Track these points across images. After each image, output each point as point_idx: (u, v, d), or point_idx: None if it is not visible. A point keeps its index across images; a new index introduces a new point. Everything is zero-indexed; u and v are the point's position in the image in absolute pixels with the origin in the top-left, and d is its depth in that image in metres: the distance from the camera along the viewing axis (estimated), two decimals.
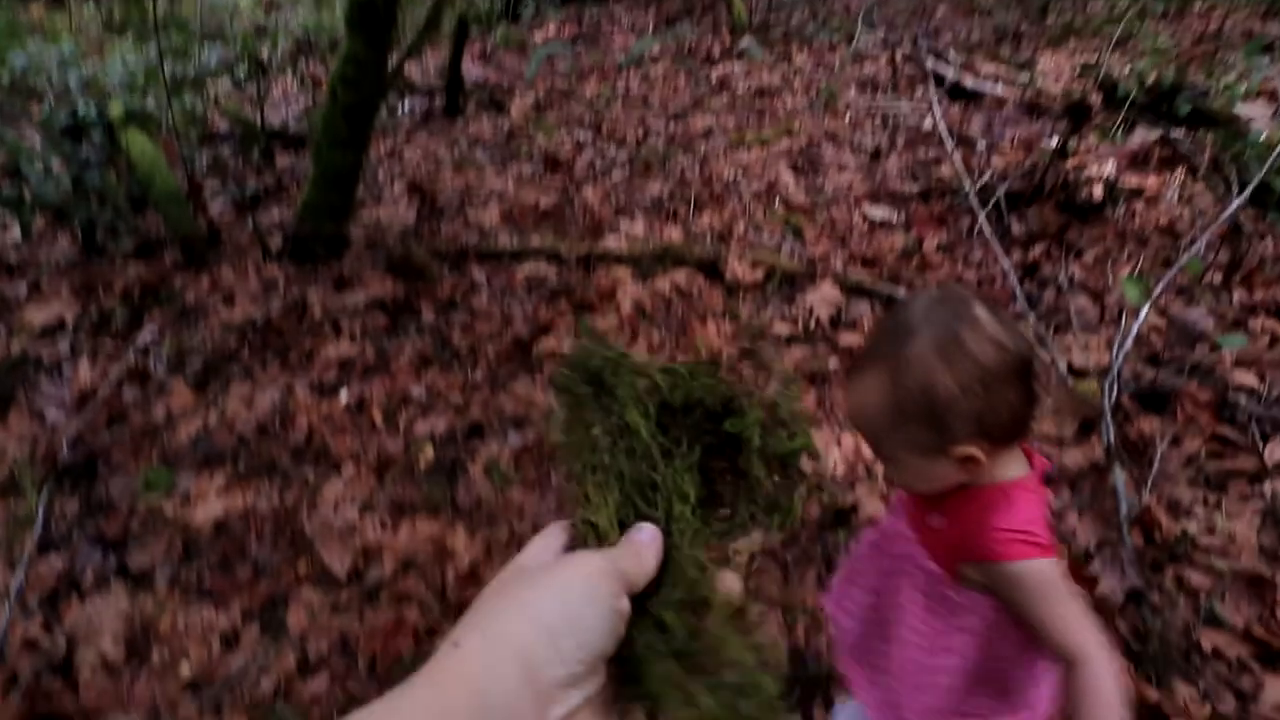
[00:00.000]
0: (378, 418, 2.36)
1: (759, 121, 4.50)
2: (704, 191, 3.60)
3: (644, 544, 0.45)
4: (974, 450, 0.84)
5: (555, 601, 0.40)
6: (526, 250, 3.11)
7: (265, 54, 5.75)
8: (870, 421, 0.90)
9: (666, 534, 0.47)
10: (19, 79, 3.48)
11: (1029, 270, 2.72)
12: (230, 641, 1.81)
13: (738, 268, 2.81)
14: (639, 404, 0.49)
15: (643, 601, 0.44)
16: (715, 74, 5.49)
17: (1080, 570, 1.70)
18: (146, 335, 2.96)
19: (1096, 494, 1.89)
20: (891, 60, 5.24)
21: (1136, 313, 2.05)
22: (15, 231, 3.58)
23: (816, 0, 7.21)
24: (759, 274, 2.80)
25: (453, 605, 1.83)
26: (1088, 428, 2.06)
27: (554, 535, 0.48)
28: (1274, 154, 2.27)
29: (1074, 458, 1.99)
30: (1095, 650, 0.81)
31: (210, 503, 2.15)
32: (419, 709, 0.36)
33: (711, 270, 2.87)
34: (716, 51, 6.00)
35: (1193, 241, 2.41)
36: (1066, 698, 0.82)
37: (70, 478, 2.31)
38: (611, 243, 3.13)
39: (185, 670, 1.75)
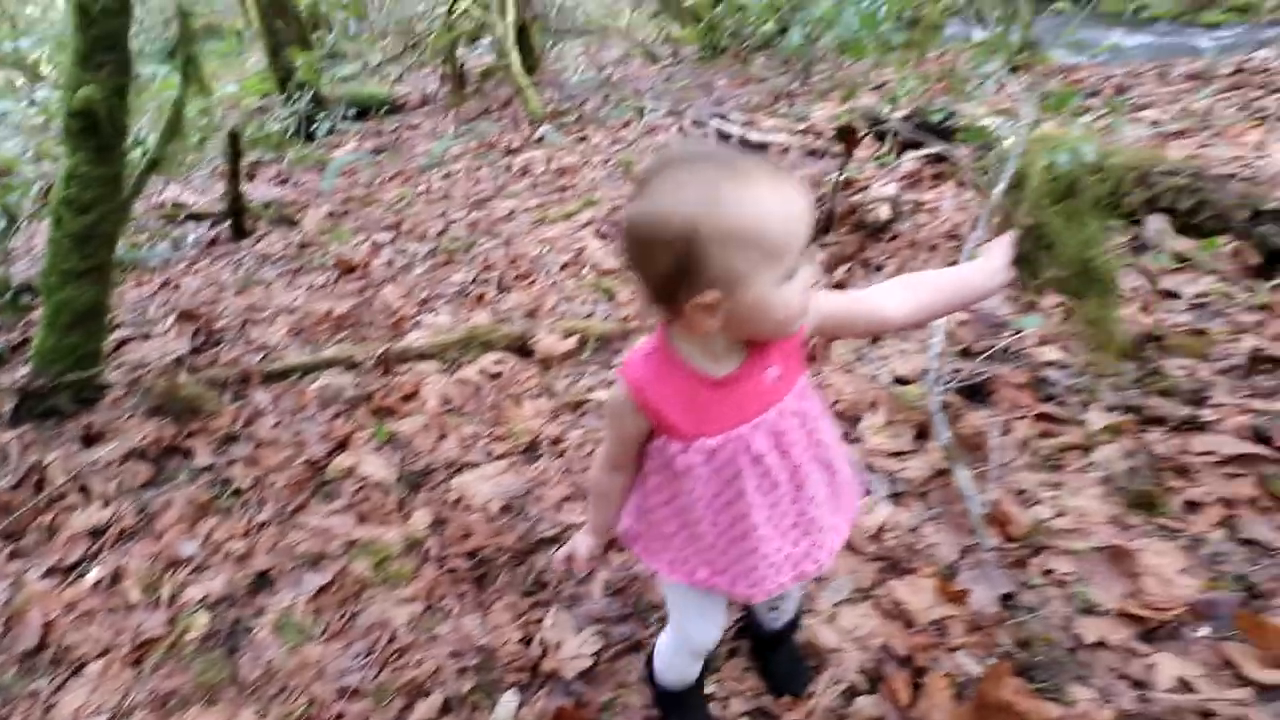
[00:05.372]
0: (134, 593, 1.91)
1: (562, 198, 4.44)
2: (510, 272, 3.42)
3: None
4: None
5: None
6: (318, 362, 2.77)
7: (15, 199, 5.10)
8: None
9: None
10: None
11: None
12: None
13: (547, 340, 2.61)
14: None
15: None
16: (516, 163, 5.44)
17: (948, 587, 1.57)
18: None
19: (946, 501, 1.80)
20: (680, 127, 5.41)
21: None
22: None
23: (607, 85, 7.47)
24: (571, 343, 2.61)
25: None
26: (921, 434, 2.00)
27: None
28: (1013, 153, 2.36)
29: (916, 468, 1.90)
30: None
31: None
32: None
33: (523, 349, 2.66)
34: (517, 142, 5.99)
35: (969, 240, 2.48)
36: None
37: None
38: (414, 338, 2.85)
39: None
